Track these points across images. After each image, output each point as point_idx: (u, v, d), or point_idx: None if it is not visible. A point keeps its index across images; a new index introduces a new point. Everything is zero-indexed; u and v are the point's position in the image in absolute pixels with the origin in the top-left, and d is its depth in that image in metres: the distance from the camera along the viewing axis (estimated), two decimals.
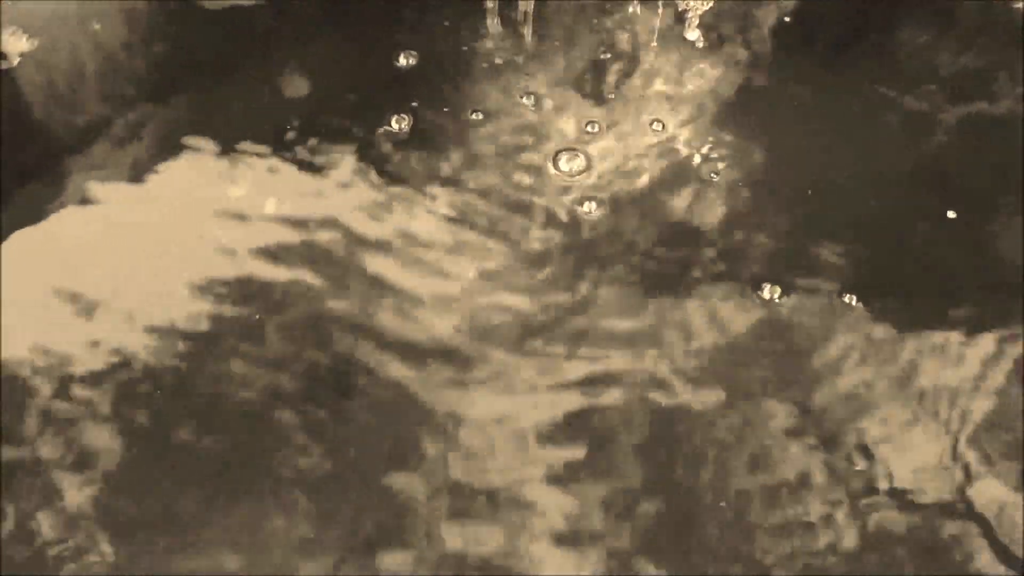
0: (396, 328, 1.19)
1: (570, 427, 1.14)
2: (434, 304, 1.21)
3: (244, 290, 1.21)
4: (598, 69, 1.38)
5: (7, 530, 1.06)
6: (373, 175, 1.30)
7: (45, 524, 1.06)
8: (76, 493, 1.08)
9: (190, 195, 1.29)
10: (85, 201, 1.27)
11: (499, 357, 1.17)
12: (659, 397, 1.15)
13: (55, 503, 1.07)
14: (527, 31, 1.41)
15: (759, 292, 1.22)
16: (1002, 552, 1.07)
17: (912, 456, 1.12)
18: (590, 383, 1.16)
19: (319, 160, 1.31)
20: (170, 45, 1.38)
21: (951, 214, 1.27)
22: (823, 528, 1.08)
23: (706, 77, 1.38)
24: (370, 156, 1.31)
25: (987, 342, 1.19)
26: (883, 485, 1.11)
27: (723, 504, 1.08)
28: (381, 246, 1.25)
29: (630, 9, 1.43)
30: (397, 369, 1.16)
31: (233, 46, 1.40)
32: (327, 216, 1.27)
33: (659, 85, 1.37)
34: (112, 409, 1.13)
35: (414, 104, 1.35)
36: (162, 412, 1.13)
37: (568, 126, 1.34)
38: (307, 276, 1.22)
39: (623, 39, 1.40)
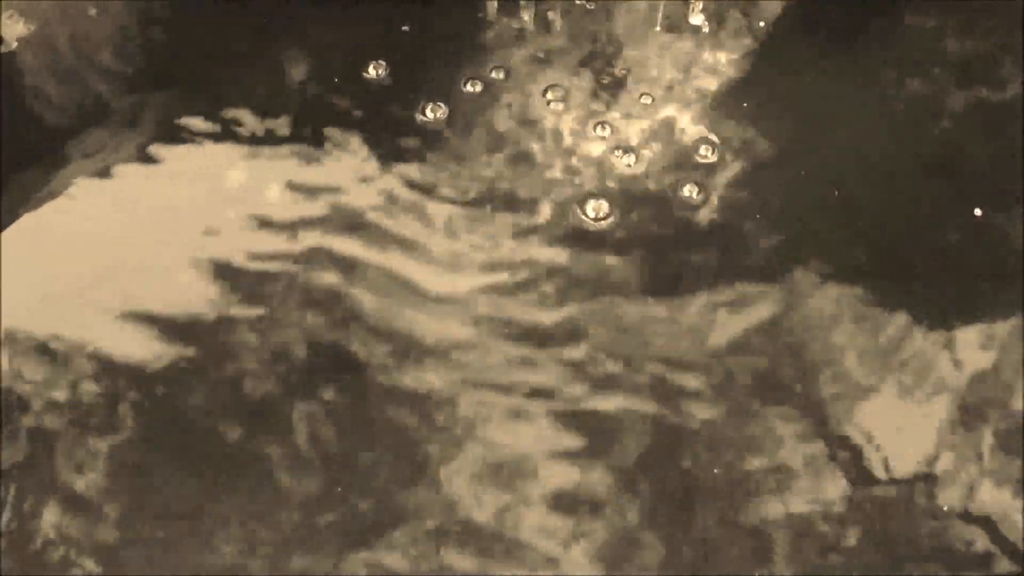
0: (397, 319, 1.19)
1: (571, 421, 1.14)
2: (438, 295, 1.20)
3: (245, 278, 1.21)
4: (600, 55, 1.38)
5: (6, 528, 1.05)
6: (378, 161, 1.30)
7: (42, 521, 1.06)
8: (71, 487, 1.08)
9: (190, 181, 1.28)
10: (83, 189, 1.27)
11: (502, 350, 1.17)
12: (660, 391, 1.15)
13: (52, 498, 1.07)
14: (528, 15, 1.40)
15: (761, 279, 1.22)
16: (1004, 549, 1.07)
17: (915, 453, 1.12)
18: (591, 376, 1.16)
19: (322, 146, 1.31)
20: (169, 29, 1.38)
21: (961, 204, 1.27)
22: (824, 524, 1.08)
23: (710, 63, 1.37)
24: (374, 142, 1.31)
25: (991, 333, 1.19)
26: (885, 481, 1.11)
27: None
28: (386, 237, 1.24)
29: None
30: (400, 361, 1.16)
31: (233, 29, 1.39)
32: (330, 204, 1.26)
33: (663, 71, 1.37)
34: (110, 398, 1.13)
35: (416, 90, 1.35)
36: (161, 403, 1.13)
37: (570, 114, 1.34)
38: (310, 265, 1.22)
39: (626, 24, 1.40)
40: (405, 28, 1.37)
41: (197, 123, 1.31)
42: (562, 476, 1.10)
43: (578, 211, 1.25)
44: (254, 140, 1.31)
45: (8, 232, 1.23)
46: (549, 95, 1.34)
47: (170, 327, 1.17)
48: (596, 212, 1.25)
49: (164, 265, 1.22)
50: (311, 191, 1.27)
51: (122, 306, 1.19)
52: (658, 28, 1.39)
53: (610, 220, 1.25)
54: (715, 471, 1.10)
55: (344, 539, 1.06)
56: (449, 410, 1.13)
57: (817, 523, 1.08)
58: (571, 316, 1.20)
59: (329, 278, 1.21)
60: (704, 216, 1.26)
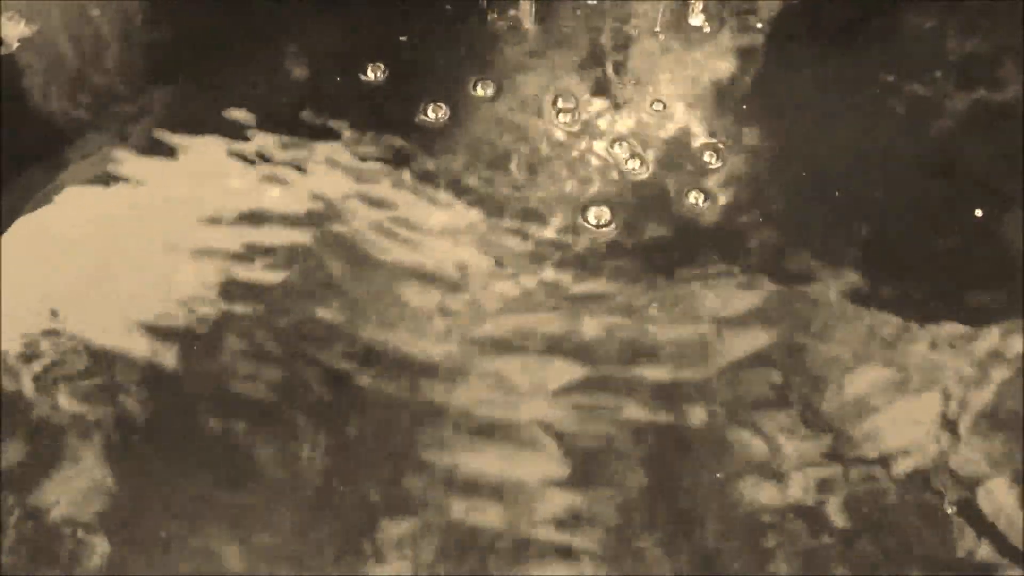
0: (398, 318, 1.19)
1: (572, 417, 1.14)
2: (437, 293, 1.20)
3: (245, 277, 1.21)
4: (600, 55, 1.38)
5: (6, 526, 1.06)
6: (379, 162, 1.30)
7: (42, 520, 1.06)
8: (72, 486, 1.08)
9: (190, 182, 1.28)
10: (84, 189, 1.27)
11: (500, 348, 1.17)
12: (660, 387, 1.15)
13: (53, 497, 1.07)
14: (528, 18, 1.40)
15: (762, 280, 1.22)
16: (1003, 545, 1.07)
17: (915, 452, 1.12)
18: (592, 377, 1.16)
19: (321, 147, 1.30)
20: (169, 30, 1.38)
21: (961, 204, 1.27)
22: (821, 522, 1.08)
23: (710, 63, 1.37)
24: (375, 142, 1.31)
25: (990, 334, 1.19)
26: (883, 476, 1.11)
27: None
28: (387, 236, 1.24)
29: None
30: (401, 360, 1.16)
31: (234, 31, 1.39)
32: (332, 205, 1.26)
33: (662, 71, 1.36)
34: (110, 400, 1.13)
35: (416, 91, 1.34)
36: (161, 403, 1.13)
37: (569, 113, 1.33)
38: (310, 263, 1.22)
39: (625, 25, 1.40)
40: (403, 38, 1.37)
41: (197, 124, 1.31)
42: (562, 482, 1.10)
43: (580, 218, 1.25)
44: (254, 140, 1.30)
45: (9, 232, 1.23)
46: (549, 98, 1.34)
47: (171, 326, 1.17)
48: (598, 219, 1.25)
49: (165, 265, 1.22)
50: (312, 190, 1.27)
51: (123, 306, 1.19)
52: (657, 28, 1.39)
53: (612, 226, 1.25)
54: (717, 475, 1.10)
55: (345, 539, 1.06)
56: (449, 401, 1.13)
57: (814, 523, 1.08)
58: (572, 317, 1.20)
59: (330, 276, 1.21)
60: (706, 218, 1.26)
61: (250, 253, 1.22)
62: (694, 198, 1.27)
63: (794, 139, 1.32)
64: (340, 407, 1.13)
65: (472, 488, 1.09)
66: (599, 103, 1.34)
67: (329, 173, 1.29)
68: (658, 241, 1.25)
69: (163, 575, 1.04)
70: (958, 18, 1.38)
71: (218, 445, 1.11)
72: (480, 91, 1.35)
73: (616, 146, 1.30)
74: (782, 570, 1.05)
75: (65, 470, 1.09)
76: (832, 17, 1.41)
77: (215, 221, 1.25)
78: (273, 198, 1.27)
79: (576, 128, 1.32)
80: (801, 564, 1.06)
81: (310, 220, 1.25)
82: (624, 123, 1.33)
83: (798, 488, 1.10)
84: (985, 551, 1.07)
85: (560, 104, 1.34)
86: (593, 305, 1.20)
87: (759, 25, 1.39)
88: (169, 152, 1.30)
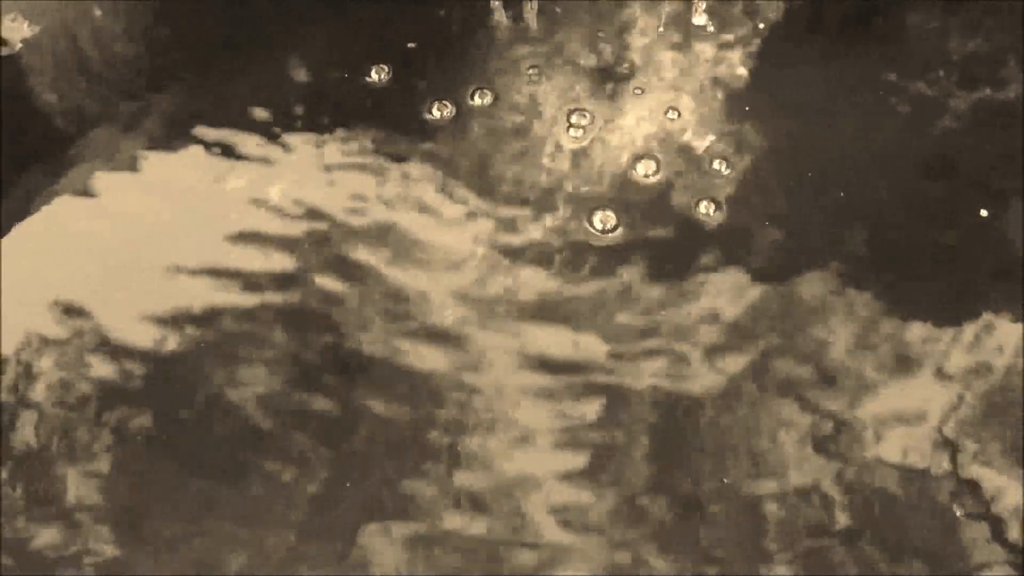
0: (400, 318, 1.19)
1: (575, 417, 1.14)
2: (438, 294, 1.21)
3: (247, 279, 1.21)
4: (604, 56, 1.37)
5: (7, 525, 1.06)
6: (379, 163, 1.30)
7: (46, 519, 1.07)
8: (78, 486, 1.08)
9: (192, 184, 1.28)
10: (86, 189, 1.27)
11: (504, 348, 1.18)
12: (664, 386, 1.16)
13: (57, 496, 1.08)
14: (532, 17, 1.40)
15: (765, 278, 1.22)
16: (1002, 543, 1.08)
17: (917, 446, 1.13)
18: (595, 372, 1.17)
19: (324, 147, 1.30)
20: (172, 32, 1.37)
21: (961, 204, 1.27)
22: (824, 515, 1.09)
23: (713, 63, 1.37)
24: (374, 143, 1.31)
25: (991, 332, 1.19)
26: (885, 472, 1.11)
27: (725, 480, 1.09)
28: (387, 236, 1.24)
29: None
30: (402, 359, 1.16)
31: (235, 32, 1.39)
32: (332, 204, 1.26)
33: (666, 71, 1.36)
34: (113, 402, 1.13)
35: (419, 92, 1.34)
36: (163, 404, 1.13)
37: (574, 114, 1.33)
38: (311, 265, 1.22)
39: (629, 25, 1.39)
40: (411, 44, 1.37)
41: (199, 125, 1.31)
42: (564, 482, 1.11)
43: (584, 222, 1.25)
44: (257, 138, 1.30)
45: (13, 233, 1.23)
46: (552, 103, 1.34)
47: (175, 325, 1.17)
48: (603, 224, 1.25)
49: (168, 264, 1.22)
50: (314, 189, 1.27)
51: (128, 305, 1.19)
52: (661, 28, 1.39)
53: (618, 231, 1.25)
54: (723, 480, 1.10)
55: (346, 538, 1.07)
56: (456, 392, 1.14)
57: (816, 519, 1.09)
58: (574, 316, 1.20)
59: (331, 275, 1.21)
60: (709, 218, 1.26)
61: (253, 252, 1.23)
62: (698, 198, 1.27)
63: (798, 139, 1.32)
64: (341, 404, 1.14)
65: (474, 484, 1.10)
66: (605, 109, 1.34)
67: (331, 171, 1.29)
68: (662, 243, 1.25)
69: (167, 575, 1.05)
70: (960, 18, 1.38)
71: (222, 443, 1.11)
72: (478, 100, 1.34)
73: (620, 151, 1.31)
74: (783, 570, 1.06)
75: (70, 469, 1.09)
76: (835, 17, 1.41)
77: (217, 221, 1.25)
78: (275, 198, 1.27)
79: (582, 134, 1.32)
80: (802, 562, 1.06)
81: (311, 216, 1.25)
82: (626, 123, 1.32)
83: (800, 483, 1.10)
84: (984, 545, 1.08)
85: (564, 108, 1.33)
86: (596, 298, 1.21)
87: (762, 25, 1.39)
88: (172, 153, 1.30)
